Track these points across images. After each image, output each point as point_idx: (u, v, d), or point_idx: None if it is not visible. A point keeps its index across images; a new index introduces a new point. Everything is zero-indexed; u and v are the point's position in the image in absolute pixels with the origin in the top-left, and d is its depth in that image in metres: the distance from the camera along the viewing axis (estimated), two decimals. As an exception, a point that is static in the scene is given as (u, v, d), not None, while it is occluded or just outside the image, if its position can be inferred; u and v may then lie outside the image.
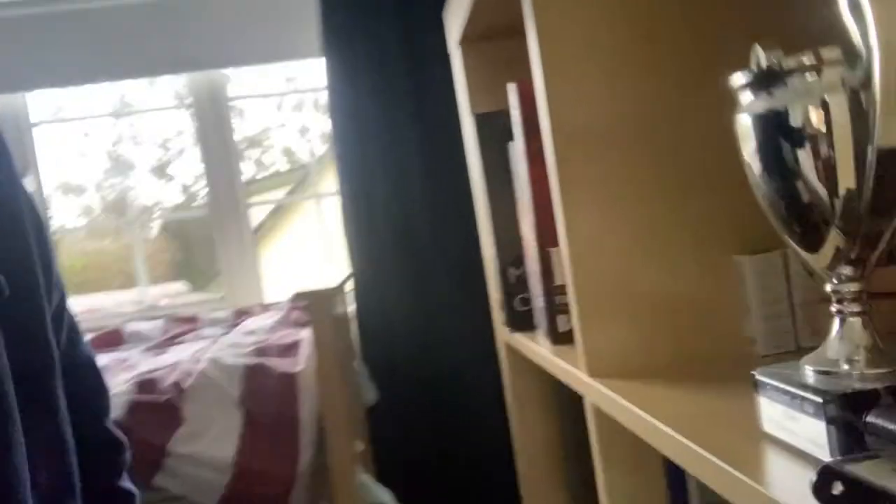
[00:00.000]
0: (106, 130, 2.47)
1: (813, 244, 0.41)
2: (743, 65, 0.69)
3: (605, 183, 0.67)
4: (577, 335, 0.68)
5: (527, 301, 1.00)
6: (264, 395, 1.31)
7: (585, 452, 1.03)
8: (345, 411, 1.25)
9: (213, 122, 2.40)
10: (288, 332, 1.63)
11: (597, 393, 0.64)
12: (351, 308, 2.22)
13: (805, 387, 0.40)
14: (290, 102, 2.57)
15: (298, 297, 1.20)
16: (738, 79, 0.44)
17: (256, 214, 2.67)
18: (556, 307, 0.86)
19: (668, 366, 0.67)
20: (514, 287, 1.00)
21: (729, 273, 0.68)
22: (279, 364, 1.38)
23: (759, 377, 0.44)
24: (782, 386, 0.41)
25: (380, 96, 2.17)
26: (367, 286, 2.19)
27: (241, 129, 2.64)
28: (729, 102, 0.69)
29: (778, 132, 0.40)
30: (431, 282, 2.19)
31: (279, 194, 2.93)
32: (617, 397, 0.60)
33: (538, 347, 0.87)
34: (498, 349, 1.15)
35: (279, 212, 2.93)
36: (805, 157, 0.39)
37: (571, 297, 0.68)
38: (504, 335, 1.10)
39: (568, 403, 1.03)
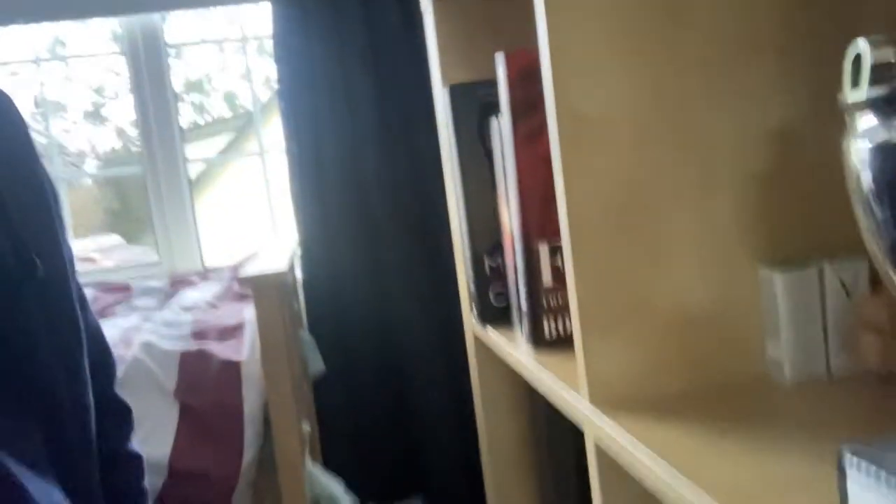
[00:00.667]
0: (37, 74, 2.23)
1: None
2: (789, 51, 0.60)
3: (618, 176, 0.57)
4: (579, 353, 0.59)
5: (503, 295, 0.90)
6: (204, 385, 1.18)
7: (560, 457, 0.95)
8: (293, 404, 1.14)
9: (148, 68, 2.19)
10: (230, 308, 1.50)
11: (603, 431, 0.55)
12: (298, 275, 2.10)
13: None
14: (232, 45, 2.37)
15: (243, 281, 1.07)
16: (855, 95, 0.34)
17: (195, 166, 2.49)
18: (542, 311, 0.76)
19: (684, 394, 0.58)
20: (489, 279, 0.90)
21: (753, 287, 0.59)
22: (220, 350, 1.25)
23: (849, 456, 0.35)
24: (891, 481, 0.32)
25: (332, 47, 2.01)
26: (315, 252, 2.06)
27: (180, 72, 2.44)
28: (765, 91, 0.60)
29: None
30: (385, 249, 2.08)
31: (220, 141, 2.74)
32: (633, 442, 0.51)
33: (520, 355, 0.77)
34: (466, 341, 1.05)
35: (220, 163, 2.75)
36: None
37: (574, 308, 0.59)
38: (474, 327, 1.00)
39: (543, 404, 0.94)
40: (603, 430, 0.55)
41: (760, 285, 0.59)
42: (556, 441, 0.93)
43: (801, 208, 0.60)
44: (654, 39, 0.57)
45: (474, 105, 0.89)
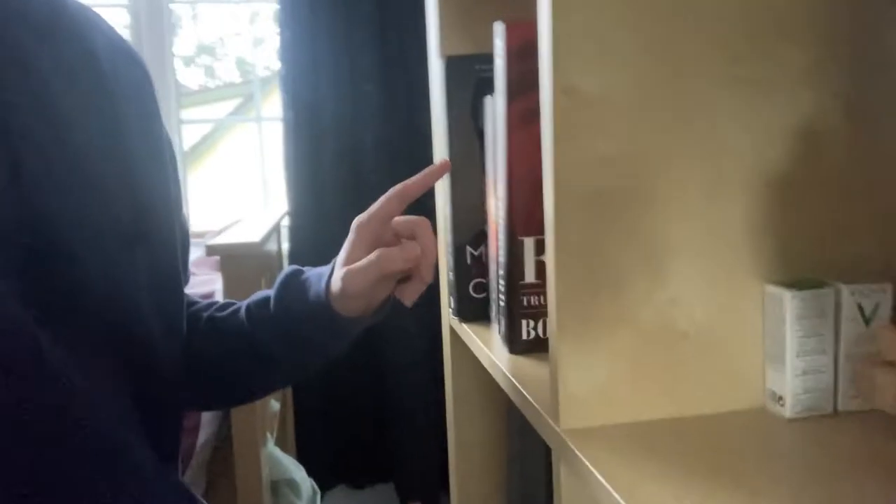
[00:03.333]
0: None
1: None
2: (824, 42, 0.51)
3: (614, 165, 0.50)
4: (553, 364, 0.52)
5: (483, 287, 0.83)
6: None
7: (531, 466, 0.89)
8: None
9: (149, 27, 2.11)
10: (205, 276, 1.43)
11: (572, 457, 0.48)
12: (284, 247, 2.03)
13: None
14: (245, 12, 2.28)
15: (210, 249, 1.01)
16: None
17: (199, 129, 2.42)
18: (521, 309, 0.69)
19: (668, 422, 0.51)
20: (470, 270, 0.83)
21: (757, 306, 0.52)
22: (185, 320, 1.18)
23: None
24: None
25: (338, 14, 1.93)
26: (304, 224, 1.99)
27: (193, 35, 2.36)
28: (790, 85, 0.52)
29: None
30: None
31: (229, 105, 2.66)
32: (603, 480, 0.44)
33: (494, 355, 0.70)
34: (442, 336, 0.98)
35: (219, 129, 2.68)
36: None
37: (552, 311, 0.52)
38: (450, 319, 0.93)
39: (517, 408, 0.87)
40: (572, 456, 0.48)
41: (766, 305, 0.52)
42: (528, 449, 0.86)
43: (821, 222, 0.53)
44: (669, 16, 0.49)
45: (470, 80, 0.81)
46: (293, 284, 0.69)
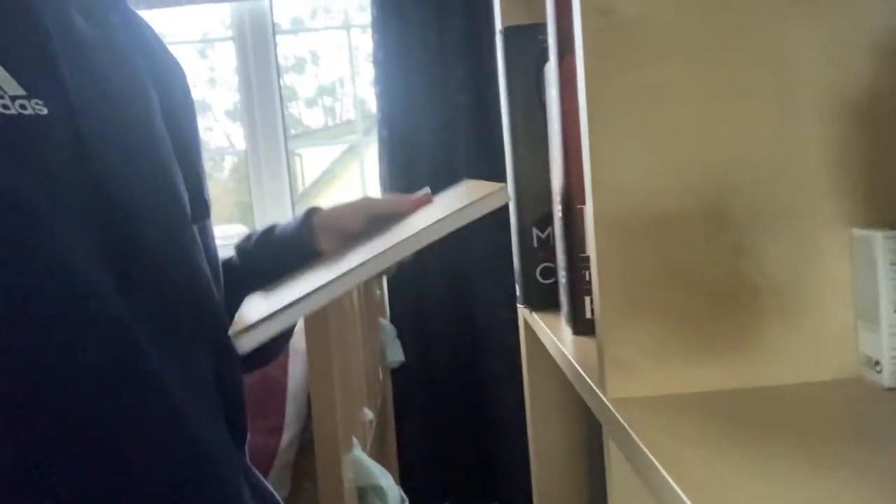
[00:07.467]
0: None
1: None
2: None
3: (659, 107, 0.44)
4: (599, 332, 0.46)
5: (551, 272, 0.77)
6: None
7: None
8: (335, 384, 1.05)
9: (254, 62, 2.19)
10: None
11: (621, 431, 0.42)
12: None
13: None
14: (364, 52, 2.32)
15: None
16: None
17: (318, 166, 2.51)
18: (582, 284, 0.63)
19: (741, 394, 0.44)
20: (536, 253, 0.77)
21: (840, 254, 0.44)
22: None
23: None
24: None
25: (429, 27, 1.94)
26: (401, 241, 1.99)
27: (315, 77, 2.45)
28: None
29: None
30: (474, 241, 1.98)
31: (348, 141, 2.75)
32: (659, 465, 0.37)
33: (557, 340, 0.64)
34: (518, 329, 0.93)
35: (335, 166, 2.77)
36: None
37: (594, 276, 0.46)
38: (522, 312, 0.87)
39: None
40: (618, 429, 0.42)
41: (853, 252, 0.44)
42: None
43: (922, 154, 0.44)
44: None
45: (532, 51, 0.76)
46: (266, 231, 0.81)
